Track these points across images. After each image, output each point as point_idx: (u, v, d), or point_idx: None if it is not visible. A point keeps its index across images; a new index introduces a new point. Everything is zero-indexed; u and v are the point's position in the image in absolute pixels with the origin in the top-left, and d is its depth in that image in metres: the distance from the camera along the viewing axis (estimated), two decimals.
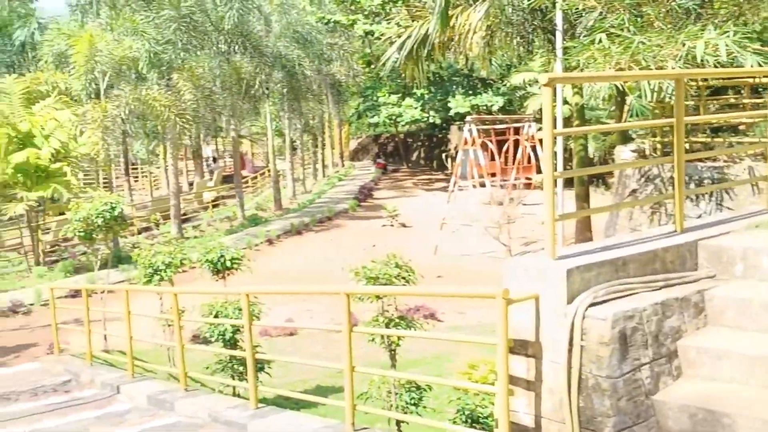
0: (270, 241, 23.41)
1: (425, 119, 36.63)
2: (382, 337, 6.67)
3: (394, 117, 36.93)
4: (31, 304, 16.47)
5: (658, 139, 8.78)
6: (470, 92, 35.66)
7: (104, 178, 32.22)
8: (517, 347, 4.15)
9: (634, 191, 8.65)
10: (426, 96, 36.12)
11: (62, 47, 23.80)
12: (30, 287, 17.97)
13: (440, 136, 45.37)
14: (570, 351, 3.89)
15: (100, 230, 13.49)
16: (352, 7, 35.56)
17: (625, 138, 12.70)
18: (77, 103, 22.31)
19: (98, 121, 21.47)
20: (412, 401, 6.57)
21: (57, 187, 20.08)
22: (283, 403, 7.53)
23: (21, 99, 21.84)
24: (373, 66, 38.72)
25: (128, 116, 22.22)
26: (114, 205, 13.59)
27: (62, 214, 24.19)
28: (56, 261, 21.44)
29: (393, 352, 6.88)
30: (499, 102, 34.50)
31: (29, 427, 7.42)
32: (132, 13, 23.81)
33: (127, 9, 24.45)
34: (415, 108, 35.98)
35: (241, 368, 8.06)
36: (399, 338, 6.75)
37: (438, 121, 37.27)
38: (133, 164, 38.59)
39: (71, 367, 10.01)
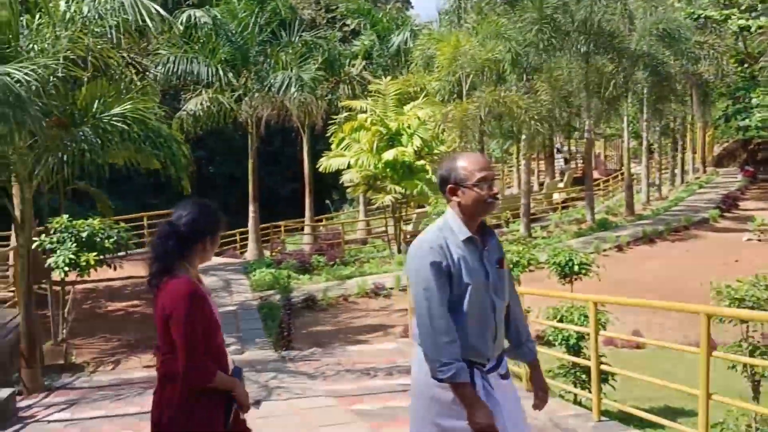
0: (619, 248, 22.64)
1: None
2: (745, 365, 6.05)
3: None
4: (391, 288, 17.93)
5: None
6: None
7: None
8: None
9: None
10: None
11: (431, 51, 25.50)
12: (391, 273, 19.60)
13: None
14: None
15: None
16: (727, 2, 32.76)
17: None
18: (442, 104, 23.75)
19: (458, 121, 22.65)
20: None
21: (422, 186, 21.60)
22: (625, 418, 7.23)
23: (393, 100, 23.91)
24: (746, 65, 35.33)
25: (487, 116, 23.09)
26: None
27: (421, 206, 26.03)
28: None
29: (756, 383, 6.21)
30: None
31: (381, 404, 8.08)
32: (497, 16, 24.64)
33: (492, 13, 25.37)
34: None
35: (583, 376, 7.90)
36: (765, 369, 6.07)
37: None
38: None
39: None
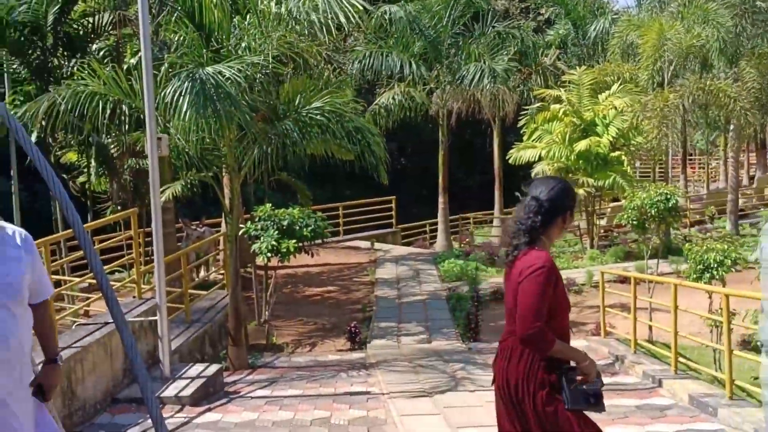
0: None
1: None
2: None
3: None
4: (582, 284, 17.40)
5: None
6: None
7: (660, 168, 32.23)
8: None
9: None
10: None
11: (630, 38, 24.35)
12: (582, 268, 19.03)
13: None
14: None
15: (653, 220, 13.56)
16: None
17: None
18: (641, 93, 22.62)
19: (657, 111, 21.46)
20: None
21: (617, 178, 20.74)
22: None
23: (588, 90, 23.09)
24: None
25: (690, 106, 21.70)
26: (669, 196, 13.49)
27: (615, 200, 24.98)
28: (608, 246, 22.27)
29: None
30: None
31: None
32: (704, 1, 23.07)
33: None
34: None
35: None
36: None
37: None
38: (690, 155, 37.71)
39: (616, 351, 10.30)
